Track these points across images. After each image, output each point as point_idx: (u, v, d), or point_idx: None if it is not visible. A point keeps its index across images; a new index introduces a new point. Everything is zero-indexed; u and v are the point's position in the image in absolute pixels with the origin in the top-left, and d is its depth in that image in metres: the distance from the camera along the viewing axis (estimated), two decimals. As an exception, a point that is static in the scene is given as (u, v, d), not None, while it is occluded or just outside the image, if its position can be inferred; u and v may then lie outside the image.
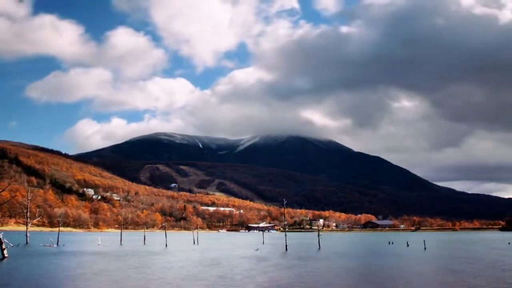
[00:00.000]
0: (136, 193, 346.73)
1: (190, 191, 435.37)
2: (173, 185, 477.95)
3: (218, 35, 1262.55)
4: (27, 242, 74.49)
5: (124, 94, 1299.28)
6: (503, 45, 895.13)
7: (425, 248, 66.20)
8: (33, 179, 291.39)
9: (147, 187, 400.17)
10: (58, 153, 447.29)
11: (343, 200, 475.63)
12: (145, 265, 39.03)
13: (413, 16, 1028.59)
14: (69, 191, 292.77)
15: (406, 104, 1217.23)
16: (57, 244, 72.57)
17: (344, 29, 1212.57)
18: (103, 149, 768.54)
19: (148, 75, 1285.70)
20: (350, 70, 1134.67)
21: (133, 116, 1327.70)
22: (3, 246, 44.37)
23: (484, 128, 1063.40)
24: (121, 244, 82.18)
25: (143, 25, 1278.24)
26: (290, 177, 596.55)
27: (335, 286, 27.04)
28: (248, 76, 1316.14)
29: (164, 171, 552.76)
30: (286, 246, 66.56)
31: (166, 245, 75.82)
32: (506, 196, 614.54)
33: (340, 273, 33.44)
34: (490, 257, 48.52)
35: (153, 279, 28.48)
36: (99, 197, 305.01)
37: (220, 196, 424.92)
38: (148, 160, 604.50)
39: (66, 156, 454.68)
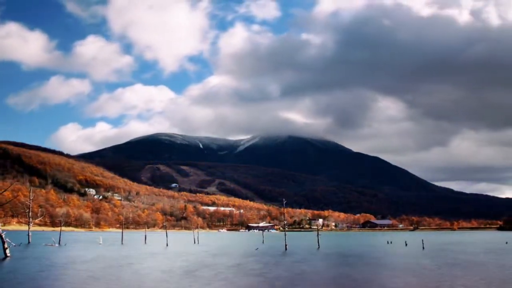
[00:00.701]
0: (137, 193, 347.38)
1: (190, 191, 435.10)
2: (173, 185, 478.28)
3: (179, 40, 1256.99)
4: (29, 242, 74.99)
5: (102, 100, 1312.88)
6: (466, 46, 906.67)
7: (423, 248, 66.68)
8: (35, 179, 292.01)
9: (148, 187, 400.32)
10: (60, 153, 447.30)
11: (342, 200, 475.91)
12: (145, 264, 39.60)
13: (364, 20, 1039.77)
14: (71, 191, 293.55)
15: (383, 104, 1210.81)
16: (59, 243, 73.05)
17: (304, 35, 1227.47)
18: (104, 149, 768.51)
19: (119, 81, 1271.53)
20: (313, 74, 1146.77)
21: (114, 121, 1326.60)
22: (6, 246, 44.68)
23: (469, 127, 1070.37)
24: (122, 243, 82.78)
25: (103, 31, 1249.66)
26: (289, 177, 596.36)
27: (334, 285, 27.39)
28: (219, 80, 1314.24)
29: (165, 171, 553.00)
30: (286, 245, 66.99)
31: (167, 245, 76.48)
32: (504, 196, 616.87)
33: (339, 272, 33.84)
34: (488, 257, 49.04)
35: (154, 279, 28.91)
36: (101, 196, 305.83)
37: (220, 196, 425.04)
38: (149, 160, 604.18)
39: (67, 156, 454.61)
